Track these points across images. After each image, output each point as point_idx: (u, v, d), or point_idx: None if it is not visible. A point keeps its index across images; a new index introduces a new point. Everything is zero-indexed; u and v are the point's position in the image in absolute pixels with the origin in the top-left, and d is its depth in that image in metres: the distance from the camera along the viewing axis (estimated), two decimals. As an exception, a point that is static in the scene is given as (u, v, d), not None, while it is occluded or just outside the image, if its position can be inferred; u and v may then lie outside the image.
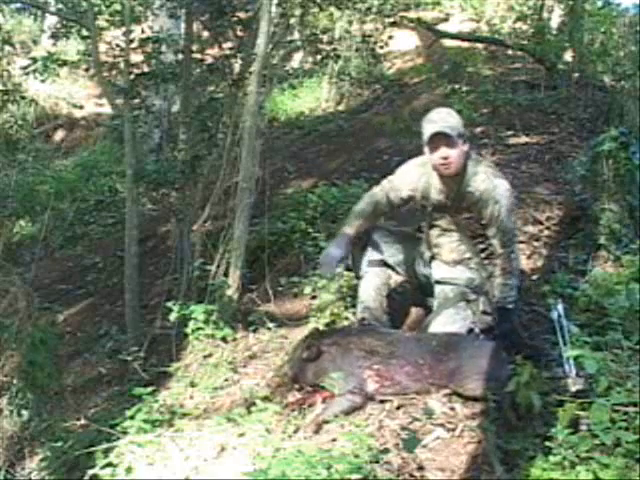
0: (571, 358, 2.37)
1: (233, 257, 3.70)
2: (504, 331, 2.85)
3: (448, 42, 9.06)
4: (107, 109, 7.56)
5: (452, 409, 2.53)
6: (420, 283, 3.17)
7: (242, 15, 4.65)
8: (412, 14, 9.62)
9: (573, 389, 2.33)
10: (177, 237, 4.91)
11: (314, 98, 9.03)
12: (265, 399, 2.76)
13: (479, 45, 8.66)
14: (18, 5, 9.64)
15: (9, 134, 7.02)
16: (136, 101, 4.68)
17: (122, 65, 4.64)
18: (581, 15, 7.26)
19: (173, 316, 3.42)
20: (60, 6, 6.18)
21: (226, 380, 3.10)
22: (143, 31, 5.21)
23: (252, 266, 4.29)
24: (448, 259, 3.01)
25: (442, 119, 2.85)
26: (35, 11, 10.60)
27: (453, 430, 2.41)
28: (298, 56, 9.87)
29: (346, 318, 3.35)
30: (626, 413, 2.15)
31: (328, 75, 8.75)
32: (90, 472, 2.44)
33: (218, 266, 3.90)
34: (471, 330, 2.92)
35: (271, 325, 3.44)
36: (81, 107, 9.96)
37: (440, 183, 2.94)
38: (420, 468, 2.22)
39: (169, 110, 7.09)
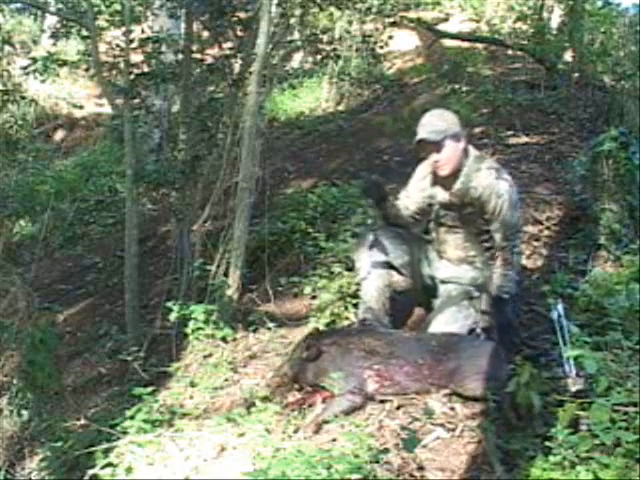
0: (571, 358, 2.37)
1: (233, 257, 3.70)
2: (498, 323, 2.85)
3: (448, 42, 9.06)
4: (107, 109, 7.55)
5: (452, 409, 2.53)
6: (425, 285, 3.17)
7: (242, 15, 4.65)
8: (412, 14, 9.63)
9: (573, 389, 2.33)
10: (177, 237, 4.91)
11: (314, 98, 9.02)
12: (265, 399, 2.76)
13: (479, 45, 8.66)
14: (18, 5, 9.64)
15: (9, 134, 7.00)
16: (136, 101, 4.67)
17: (122, 65, 4.64)
18: (581, 15, 7.26)
19: (173, 316, 3.42)
20: (60, 6, 6.18)
21: (226, 380, 3.10)
22: (143, 31, 5.21)
23: (252, 266, 4.29)
24: (453, 257, 3.03)
25: (430, 123, 2.89)
26: (35, 11, 10.60)
27: (453, 430, 2.41)
28: (298, 56, 9.87)
29: (346, 318, 3.35)
30: (626, 413, 2.15)
31: (328, 75, 8.75)
32: (90, 472, 2.44)
33: (218, 266, 3.90)
34: (472, 330, 2.92)
35: (271, 325, 3.44)
36: (81, 107, 9.95)
37: (442, 181, 2.98)
38: (420, 468, 2.22)
39: (169, 110, 7.08)
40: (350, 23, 8.64)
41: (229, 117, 4.63)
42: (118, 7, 5.83)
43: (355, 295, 3.37)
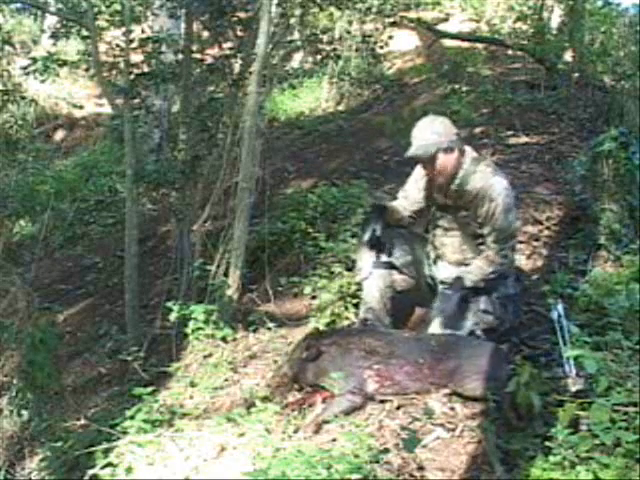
0: (571, 358, 2.37)
1: (233, 257, 3.70)
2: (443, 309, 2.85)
3: (448, 42, 9.06)
4: (107, 109, 7.55)
5: (452, 409, 2.53)
6: (427, 284, 3.17)
7: (242, 15, 4.65)
8: (412, 14, 9.63)
9: (573, 389, 2.33)
10: (177, 237, 4.91)
11: (314, 98, 9.02)
12: (265, 399, 2.76)
13: (479, 45, 8.66)
14: (18, 5, 9.64)
15: (9, 134, 7.00)
16: (136, 101, 4.67)
17: (122, 65, 4.64)
18: (581, 15, 7.27)
19: (173, 316, 3.42)
20: (60, 6, 6.20)
21: (226, 380, 3.10)
22: (143, 31, 5.21)
23: (252, 266, 4.29)
24: (452, 259, 3.03)
25: (420, 137, 2.86)
26: (35, 11, 10.60)
27: (453, 430, 2.41)
28: (298, 56, 9.87)
29: (346, 318, 3.35)
30: (626, 413, 2.15)
31: (328, 75, 8.75)
32: (90, 472, 2.44)
33: (218, 266, 3.90)
34: (472, 332, 2.92)
35: (271, 325, 3.44)
36: (81, 107, 9.94)
37: (438, 184, 2.98)
38: (420, 468, 2.22)
39: (169, 110, 7.08)
40: (350, 23, 8.64)
41: (229, 117, 4.63)
42: (118, 7, 5.82)
43: (355, 295, 3.37)
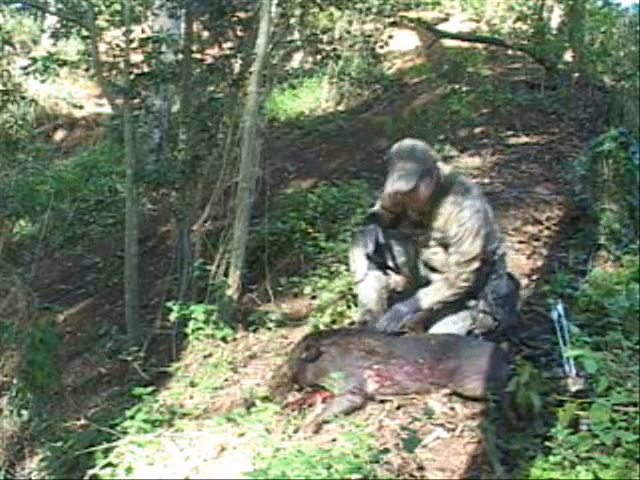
0: (571, 358, 2.37)
1: (233, 257, 3.70)
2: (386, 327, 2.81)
3: (448, 42, 9.07)
4: (107, 109, 7.57)
5: (452, 409, 2.53)
6: (422, 285, 3.15)
7: (242, 15, 4.65)
8: (412, 14, 9.65)
9: (573, 389, 2.32)
10: (177, 237, 4.91)
11: (314, 98, 9.03)
12: (265, 399, 2.76)
13: (479, 45, 8.67)
14: (18, 5, 9.63)
15: (9, 134, 7.00)
16: (136, 101, 4.68)
17: (122, 65, 4.64)
18: (581, 15, 7.28)
19: (173, 316, 3.41)
20: (60, 6, 6.19)
21: (226, 380, 3.09)
22: (143, 31, 5.21)
23: (252, 266, 4.30)
24: (440, 269, 2.98)
25: (401, 167, 2.74)
26: (35, 11, 10.60)
27: (453, 430, 2.41)
28: (298, 56, 9.88)
29: (348, 317, 3.35)
30: (626, 413, 2.15)
31: (328, 75, 8.76)
32: (90, 472, 2.44)
33: (218, 266, 3.90)
34: (470, 332, 2.91)
35: (271, 325, 3.44)
36: (81, 107, 9.96)
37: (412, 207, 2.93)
38: (420, 468, 2.22)
39: (169, 110, 7.09)
40: (350, 23, 8.66)
41: (229, 117, 4.63)
42: (118, 7, 5.83)
43: (356, 295, 3.37)
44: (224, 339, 3.37)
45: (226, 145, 4.44)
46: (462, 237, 2.77)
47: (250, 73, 4.05)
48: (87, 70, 6.98)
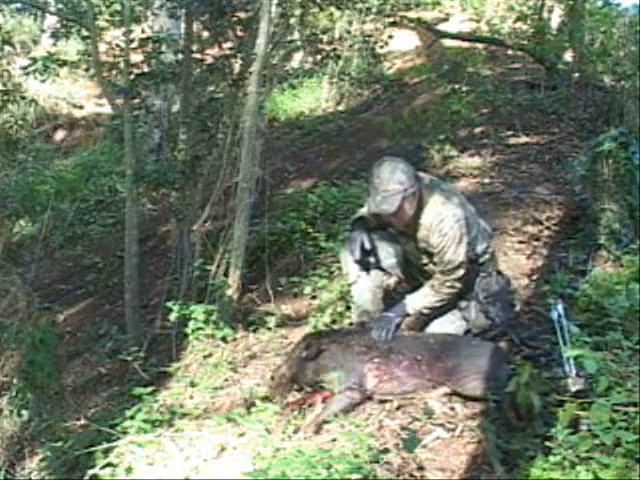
0: (571, 358, 2.36)
1: (233, 257, 3.70)
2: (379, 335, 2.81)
3: (448, 42, 9.07)
4: (107, 109, 7.56)
5: (452, 409, 2.53)
6: (416, 284, 3.15)
7: (242, 15, 4.65)
8: (412, 14, 9.65)
9: (573, 389, 2.32)
10: (177, 237, 4.91)
11: (314, 98, 9.03)
12: (265, 399, 2.76)
13: (479, 45, 8.67)
14: (18, 5, 9.62)
15: (9, 134, 7.00)
16: (136, 101, 4.68)
17: (122, 65, 4.64)
18: (581, 15, 7.27)
19: (173, 316, 3.42)
20: (60, 6, 6.20)
21: (226, 380, 3.10)
22: (143, 31, 5.21)
23: (252, 266, 4.30)
24: (428, 272, 2.98)
25: (384, 188, 2.72)
26: (35, 11, 10.59)
27: (453, 430, 2.41)
28: (298, 56, 9.88)
29: (348, 317, 3.35)
30: (626, 413, 2.15)
31: (328, 75, 8.77)
32: (90, 472, 2.44)
33: (218, 266, 3.90)
34: (468, 331, 2.92)
35: (271, 325, 3.44)
36: (81, 107, 9.96)
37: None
38: (420, 468, 2.22)
39: (169, 110, 7.09)
40: (350, 23, 8.66)
41: (229, 117, 4.63)
42: (118, 7, 5.84)
43: (355, 295, 3.37)
44: (224, 339, 3.37)
45: (226, 145, 4.44)
46: (444, 247, 2.77)
47: (250, 73, 4.05)
48: (87, 70, 6.99)
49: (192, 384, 3.10)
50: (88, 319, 5.19)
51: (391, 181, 2.72)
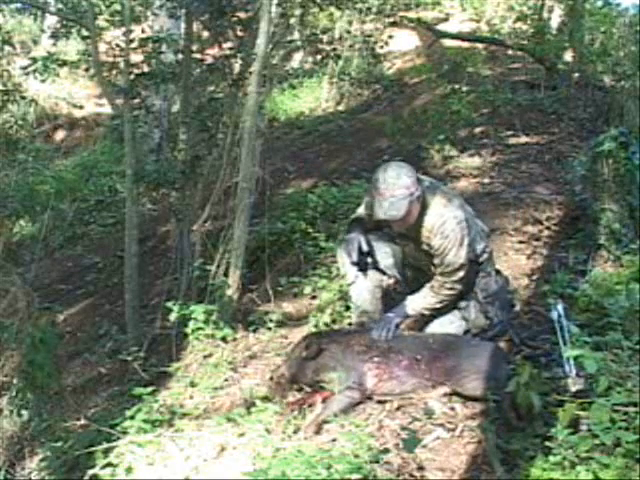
0: (571, 358, 2.36)
1: (233, 257, 3.70)
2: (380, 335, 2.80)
3: (448, 42, 9.07)
4: (107, 109, 7.58)
5: (452, 409, 2.53)
6: (413, 285, 3.14)
7: (242, 15, 4.65)
8: (412, 14, 9.65)
9: (573, 389, 2.32)
10: (177, 237, 4.91)
11: (314, 98, 9.03)
12: (265, 399, 2.76)
13: (479, 45, 8.67)
14: (18, 5, 9.63)
15: (9, 134, 7.00)
16: (136, 101, 4.68)
17: (122, 65, 4.64)
18: (581, 15, 7.27)
19: (173, 316, 3.42)
20: (60, 6, 6.20)
21: (226, 380, 3.10)
22: (143, 31, 5.21)
23: (252, 266, 4.30)
24: (427, 272, 2.98)
25: (390, 194, 2.70)
26: (35, 11, 10.60)
27: (453, 430, 2.41)
28: (298, 56, 9.89)
29: (348, 317, 3.35)
30: (626, 413, 2.15)
31: (328, 75, 8.77)
32: (90, 472, 2.44)
33: (218, 266, 3.90)
34: (467, 331, 2.92)
35: (271, 325, 3.44)
36: (81, 107, 9.97)
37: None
38: (420, 468, 2.22)
39: (169, 110, 7.09)
40: (350, 23, 8.66)
41: (229, 117, 4.63)
42: (118, 7, 5.84)
43: (355, 295, 3.37)
44: (224, 339, 3.37)
45: (226, 145, 4.43)
46: (446, 249, 2.78)
47: (250, 73, 4.05)
48: (87, 70, 6.98)
49: (192, 384, 3.10)
50: (88, 319, 5.19)
51: (397, 186, 2.71)
